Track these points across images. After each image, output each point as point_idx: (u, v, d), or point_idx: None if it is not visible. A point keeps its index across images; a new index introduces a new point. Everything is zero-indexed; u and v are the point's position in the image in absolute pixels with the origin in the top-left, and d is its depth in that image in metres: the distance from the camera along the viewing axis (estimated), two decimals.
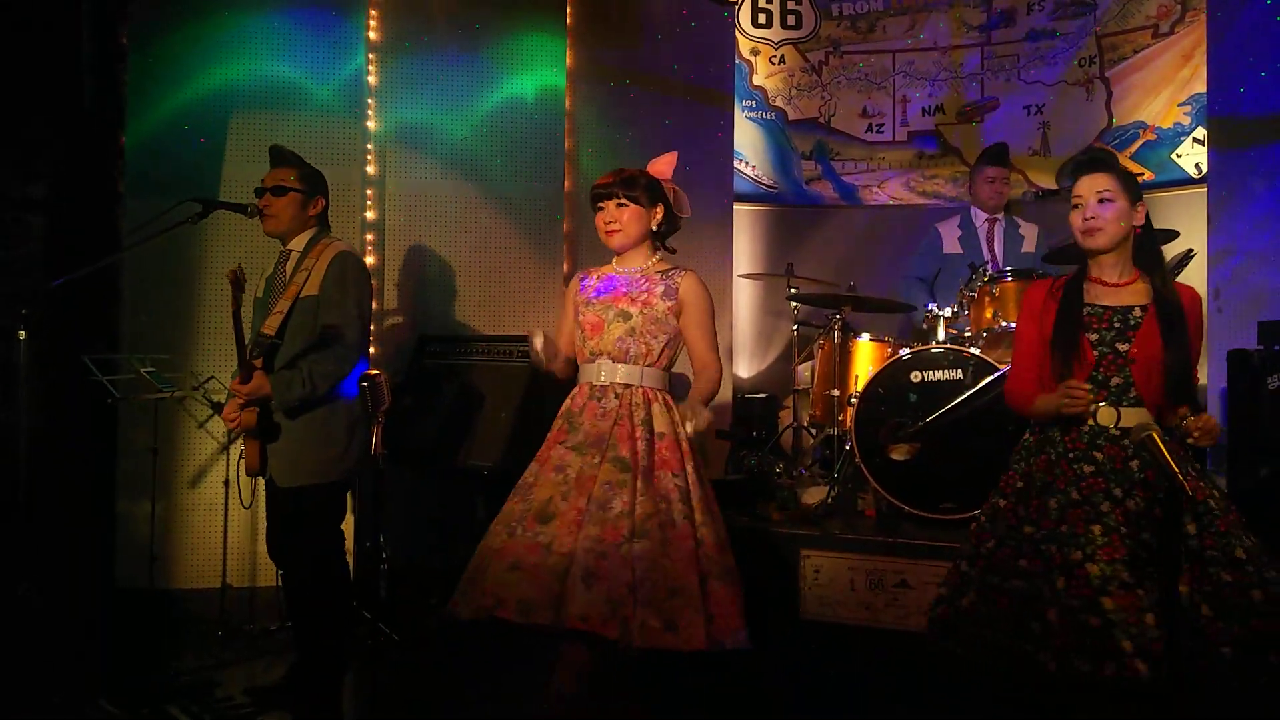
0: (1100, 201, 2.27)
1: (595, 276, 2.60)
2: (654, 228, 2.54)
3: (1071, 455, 2.24)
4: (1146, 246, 2.33)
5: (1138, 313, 2.27)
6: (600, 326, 2.49)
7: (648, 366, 2.46)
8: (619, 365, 2.46)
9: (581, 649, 2.30)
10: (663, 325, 2.47)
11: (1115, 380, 2.25)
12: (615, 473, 2.32)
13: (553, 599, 2.20)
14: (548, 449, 2.46)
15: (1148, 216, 2.33)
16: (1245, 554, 2.10)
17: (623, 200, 2.49)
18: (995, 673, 2.19)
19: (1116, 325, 2.26)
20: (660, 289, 2.49)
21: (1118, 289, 2.31)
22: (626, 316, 2.47)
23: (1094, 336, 2.27)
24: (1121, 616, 2.00)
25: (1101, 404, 2.24)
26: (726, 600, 2.27)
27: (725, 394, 4.99)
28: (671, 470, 2.37)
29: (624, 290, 2.51)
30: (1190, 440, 2.17)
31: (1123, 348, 2.25)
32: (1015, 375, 2.43)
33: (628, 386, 2.45)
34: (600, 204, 2.53)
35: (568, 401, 2.52)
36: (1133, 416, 2.22)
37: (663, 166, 2.57)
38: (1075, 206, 2.32)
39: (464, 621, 2.28)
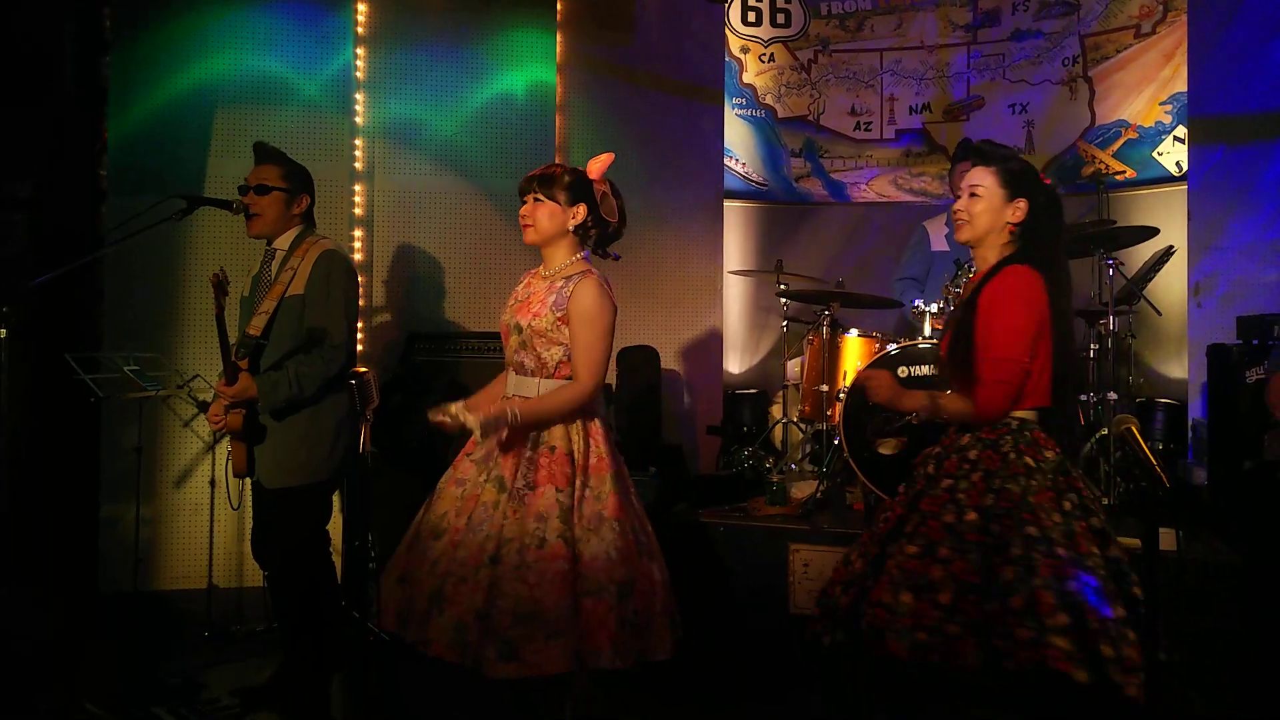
0: (970, 195, 2.27)
1: (524, 281, 2.54)
2: (570, 227, 2.43)
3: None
4: (1036, 242, 2.26)
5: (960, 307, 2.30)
6: (506, 335, 2.47)
7: (544, 379, 2.38)
8: (518, 377, 2.43)
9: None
10: (551, 336, 2.37)
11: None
12: (493, 493, 2.31)
13: (421, 617, 2.24)
14: (461, 456, 2.45)
15: (1041, 211, 2.26)
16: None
17: (539, 196, 2.42)
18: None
19: (950, 322, 2.32)
20: (553, 299, 2.39)
21: (972, 282, 2.35)
22: (519, 329, 2.41)
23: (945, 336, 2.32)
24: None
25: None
26: (594, 619, 2.21)
27: (715, 386, 5.01)
28: (556, 486, 2.29)
29: (528, 298, 2.45)
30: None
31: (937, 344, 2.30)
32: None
33: (525, 399, 2.37)
34: (522, 198, 2.46)
35: None
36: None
37: (596, 166, 2.47)
38: (955, 198, 2.34)
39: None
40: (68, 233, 3.80)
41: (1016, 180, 2.26)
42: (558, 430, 2.34)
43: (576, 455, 2.34)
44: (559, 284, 2.41)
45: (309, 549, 2.85)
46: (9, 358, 2.66)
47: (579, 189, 2.44)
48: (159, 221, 2.82)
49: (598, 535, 2.27)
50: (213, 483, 3.63)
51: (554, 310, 2.37)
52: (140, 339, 3.81)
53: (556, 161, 2.57)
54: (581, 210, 2.44)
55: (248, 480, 2.88)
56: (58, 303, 3.53)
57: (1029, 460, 2.13)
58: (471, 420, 2.20)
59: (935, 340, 3.75)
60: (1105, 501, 3.45)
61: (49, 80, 3.82)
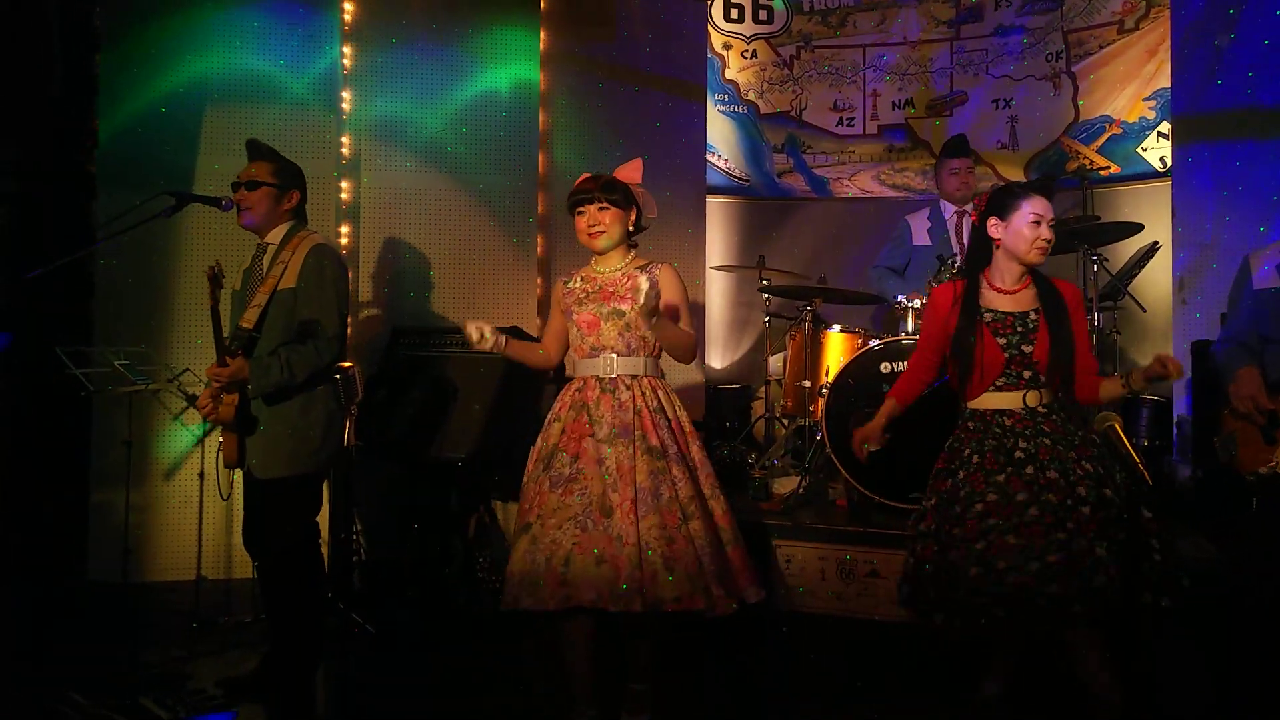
0: (1049, 226, 2.48)
1: (579, 279, 2.72)
2: (630, 228, 2.67)
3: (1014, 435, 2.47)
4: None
5: (1033, 317, 2.50)
6: (597, 324, 2.63)
7: (648, 357, 2.64)
8: (624, 358, 2.62)
9: (587, 626, 2.52)
10: None
11: (1026, 374, 2.49)
12: (653, 461, 2.53)
13: (638, 587, 2.41)
14: (577, 441, 2.56)
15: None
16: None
17: (604, 204, 2.62)
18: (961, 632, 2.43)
19: (1019, 330, 2.49)
20: (645, 286, 2.60)
21: (1015, 295, 2.53)
22: (620, 314, 2.61)
23: (1002, 341, 2.48)
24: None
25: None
26: (740, 561, 2.57)
27: (697, 382, 5.05)
28: (683, 451, 2.59)
29: (611, 290, 2.65)
30: (1160, 372, 2.36)
31: (1027, 349, 2.47)
32: (913, 368, 2.67)
33: (635, 377, 2.61)
34: (581, 208, 2.64)
35: (572, 395, 2.63)
36: (1034, 398, 2.49)
37: (631, 172, 2.69)
38: (1035, 223, 2.48)
39: (536, 614, 2.45)
40: (58, 228, 3.82)
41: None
42: (668, 404, 2.64)
43: (684, 422, 2.65)
44: (635, 274, 2.63)
45: (299, 539, 2.89)
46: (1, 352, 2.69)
47: (629, 194, 2.67)
48: (149, 218, 2.85)
49: (716, 490, 2.62)
50: (202, 475, 3.67)
51: None
52: (130, 333, 3.84)
53: (607, 174, 2.72)
54: (634, 213, 2.69)
55: (238, 471, 2.92)
56: (49, 297, 3.56)
57: (1080, 433, 2.44)
58: (643, 282, 2.42)
59: (917, 335, 3.77)
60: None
61: (38, 77, 3.84)
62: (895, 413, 2.65)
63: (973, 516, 2.35)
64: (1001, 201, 2.52)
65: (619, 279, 2.65)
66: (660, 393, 2.63)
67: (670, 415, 2.61)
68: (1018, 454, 2.39)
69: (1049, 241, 2.49)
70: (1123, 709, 2.30)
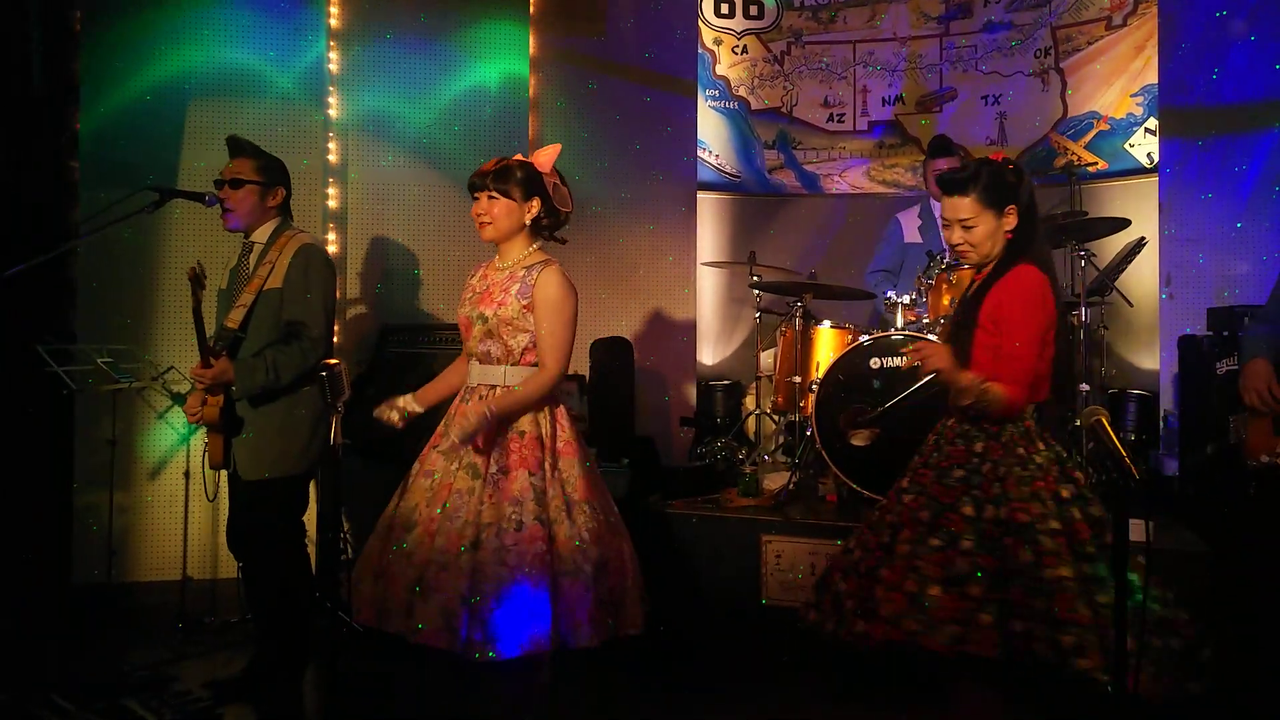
0: (964, 229, 2.28)
1: (478, 274, 2.58)
2: (527, 221, 2.48)
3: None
4: (1031, 238, 2.31)
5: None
6: (469, 327, 2.50)
7: (510, 366, 2.43)
8: (483, 366, 2.47)
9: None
10: (518, 324, 2.43)
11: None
12: (467, 480, 2.37)
13: (402, 609, 2.29)
14: (427, 449, 2.50)
15: (1027, 206, 2.30)
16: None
17: (493, 193, 2.45)
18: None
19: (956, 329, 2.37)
20: (516, 288, 2.45)
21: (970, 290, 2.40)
22: (484, 319, 2.45)
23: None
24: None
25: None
26: (572, 599, 2.30)
27: (688, 381, 5.04)
28: (529, 470, 2.36)
29: (487, 289, 2.50)
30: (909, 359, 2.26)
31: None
32: None
33: (491, 387, 2.43)
34: (474, 195, 2.48)
35: (455, 402, 2.53)
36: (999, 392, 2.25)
37: (544, 159, 2.51)
38: (946, 227, 2.34)
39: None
40: (39, 225, 3.77)
41: (995, 192, 2.28)
42: (527, 416, 2.41)
43: (545, 439, 2.40)
44: (520, 273, 2.47)
45: (285, 540, 2.87)
46: None
47: (532, 183, 2.48)
48: (132, 214, 2.82)
49: (570, 517, 2.35)
50: (187, 474, 3.64)
51: (519, 298, 2.43)
52: (114, 331, 3.80)
53: (510, 157, 2.57)
54: (536, 204, 2.49)
55: (223, 471, 2.89)
56: (30, 294, 3.51)
57: (1021, 451, 2.19)
58: (455, 432, 2.30)
59: (907, 333, 3.80)
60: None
61: (16, 70, 3.79)
62: None
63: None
64: None
65: (503, 279, 2.47)
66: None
67: (523, 428, 2.39)
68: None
69: (959, 247, 2.30)
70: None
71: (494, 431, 2.37)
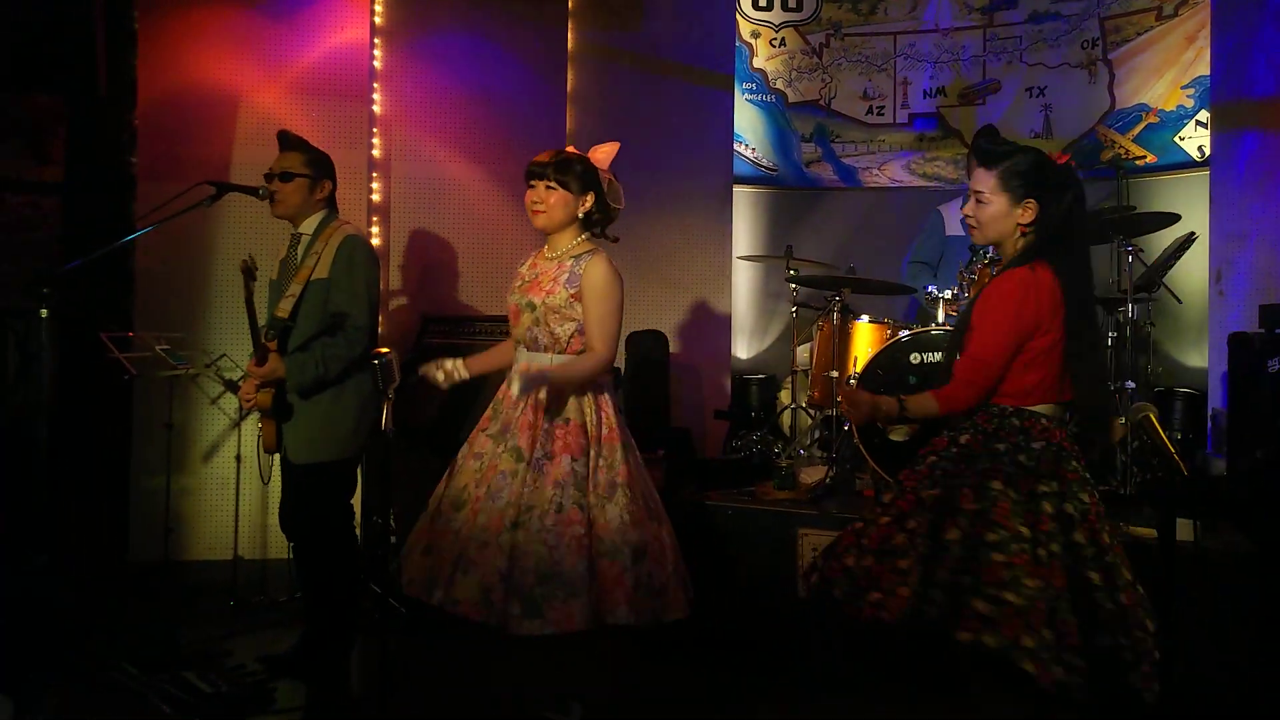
0: (977, 201, 2.20)
1: (528, 263, 2.63)
2: (580, 214, 2.53)
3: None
4: (1052, 236, 2.19)
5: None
6: (517, 314, 2.55)
7: (557, 353, 2.49)
8: (531, 353, 2.52)
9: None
10: (565, 313, 2.48)
11: None
12: (510, 463, 2.43)
13: (445, 582, 2.38)
14: (476, 432, 2.57)
15: (1053, 204, 2.17)
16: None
17: (552, 183, 2.49)
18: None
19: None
20: (565, 277, 2.49)
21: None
22: (532, 306, 2.50)
23: None
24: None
25: None
26: (610, 579, 2.35)
27: (723, 374, 5.07)
28: (572, 455, 2.41)
29: (536, 278, 2.54)
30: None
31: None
32: None
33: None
34: (531, 182, 2.52)
35: (502, 386, 2.59)
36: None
37: (602, 155, 2.55)
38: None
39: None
40: (99, 218, 3.92)
41: (1022, 181, 2.16)
42: (572, 403, 2.45)
43: (589, 427, 2.45)
44: (568, 263, 2.52)
45: (334, 522, 2.96)
46: (49, 337, 2.78)
47: (588, 177, 2.52)
48: (189, 208, 2.92)
49: (611, 501, 2.41)
50: (239, 458, 3.76)
51: (567, 287, 2.49)
52: (170, 320, 3.93)
53: (567, 149, 2.62)
54: (590, 198, 2.54)
55: (277, 455, 3.00)
56: (91, 285, 3.65)
57: (998, 446, 2.13)
58: (515, 384, 2.36)
59: (948, 328, 3.78)
60: (1123, 492, 3.43)
61: (80, 70, 3.93)
62: None
63: None
64: None
65: (552, 269, 2.52)
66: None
67: (568, 415, 2.44)
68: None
69: (968, 218, 2.21)
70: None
71: (553, 391, 2.43)
